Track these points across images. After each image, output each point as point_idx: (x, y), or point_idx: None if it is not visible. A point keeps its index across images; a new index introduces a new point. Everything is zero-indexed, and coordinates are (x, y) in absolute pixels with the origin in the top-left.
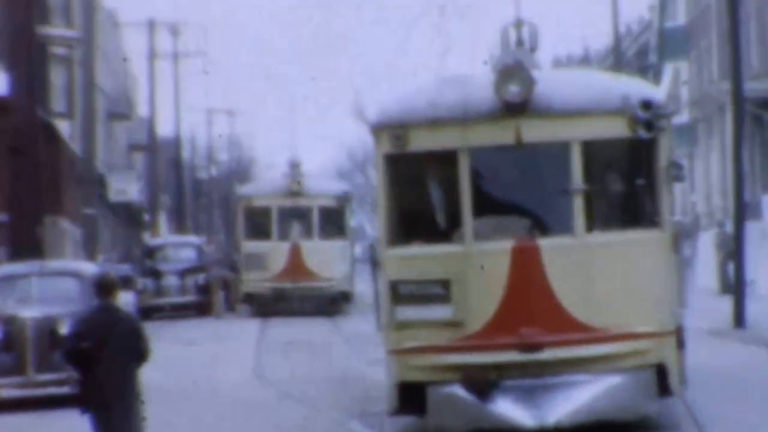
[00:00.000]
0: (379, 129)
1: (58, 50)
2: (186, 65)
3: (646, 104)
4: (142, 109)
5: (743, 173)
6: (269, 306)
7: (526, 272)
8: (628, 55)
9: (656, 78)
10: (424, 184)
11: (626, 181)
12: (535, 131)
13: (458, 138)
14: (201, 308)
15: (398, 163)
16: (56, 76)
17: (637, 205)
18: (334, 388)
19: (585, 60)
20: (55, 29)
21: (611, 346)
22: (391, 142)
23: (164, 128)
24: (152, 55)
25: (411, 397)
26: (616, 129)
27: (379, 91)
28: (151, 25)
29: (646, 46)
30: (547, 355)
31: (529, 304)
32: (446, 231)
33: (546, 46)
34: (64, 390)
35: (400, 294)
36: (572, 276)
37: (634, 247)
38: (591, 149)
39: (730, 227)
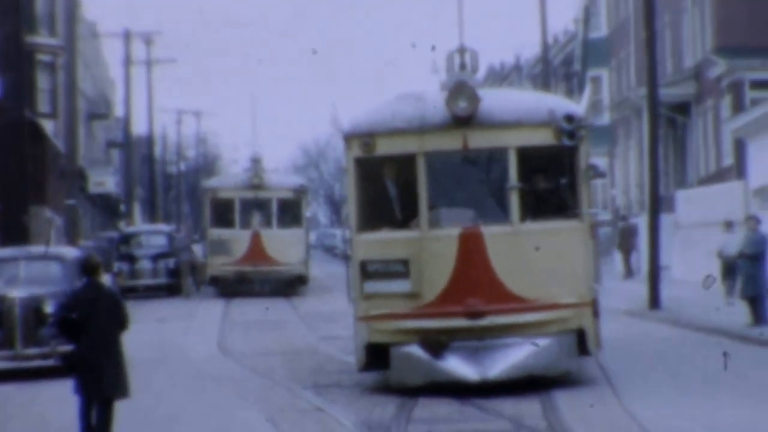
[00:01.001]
0: (350, 137)
1: (43, 57)
2: (158, 70)
3: (569, 118)
4: (118, 110)
5: (658, 170)
6: (232, 288)
7: (471, 254)
8: (555, 64)
9: (580, 84)
10: (388, 181)
11: (552, 180)
12: (478, 139)
13: (416, 144)
14: (171, 289)
15: (366, 165)
16: (42, 81)
17: (561, 199)
18: (290, 361)
19: (516, 68)
20: (41, 38)
21: (540, 314)
22: (361, 147)
23: (138, 127)
24: (128, 62)
25: (376, 355)
26: (544, 138)
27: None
28: (127, 35)
29: (571, 55)
30: (488, 321)
31: (474, 279)
32: (406, 220)
33: (481, 56)
34: (49, 362)
35: (368, 271)
36: (509, 257)
37: (559, 234)
38: (524, 154)
39: (636, 220)
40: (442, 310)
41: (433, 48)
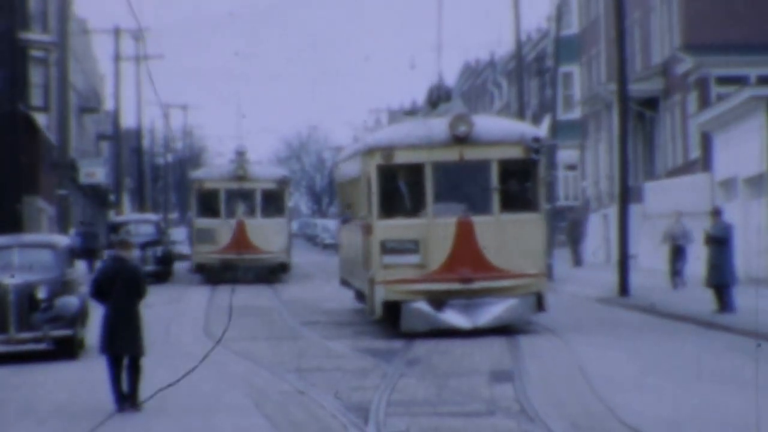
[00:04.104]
0: (373, 149)
1: (36, 53)
2: (146, 66)
3: (535, 139)
4: (108, 104)
5: (627, 162)
6: (217, 275)
7: (464, 236)
8: (528, 60)
9: (552, 80)
10: (402, 182)
11: (522, 183)
12: (471, 153)
13: (425, 156)
14: (159, 276)
15: (386, 170)
16: (35, 75)
17: (527, 198)
18: (273, 345)
19: (491, 64)
20: (34, 35)
21: (512, 281)
22: (383, 157)
23: (128, 120)
24: (117, 58)
25: (391, 310)
26: (517, 153)
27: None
28: (117, 32)
29: (544, 52)
30: (476, 285)
31: (466, 255)
32: (415, 210)
33: (457, 54)
34: (41, 346)
35: (386, 247)
36: (491, 239)
37: (525, 223)
38: (503, 165)
39: (582, 213)
40: (442, 277)
41: (413, 66)
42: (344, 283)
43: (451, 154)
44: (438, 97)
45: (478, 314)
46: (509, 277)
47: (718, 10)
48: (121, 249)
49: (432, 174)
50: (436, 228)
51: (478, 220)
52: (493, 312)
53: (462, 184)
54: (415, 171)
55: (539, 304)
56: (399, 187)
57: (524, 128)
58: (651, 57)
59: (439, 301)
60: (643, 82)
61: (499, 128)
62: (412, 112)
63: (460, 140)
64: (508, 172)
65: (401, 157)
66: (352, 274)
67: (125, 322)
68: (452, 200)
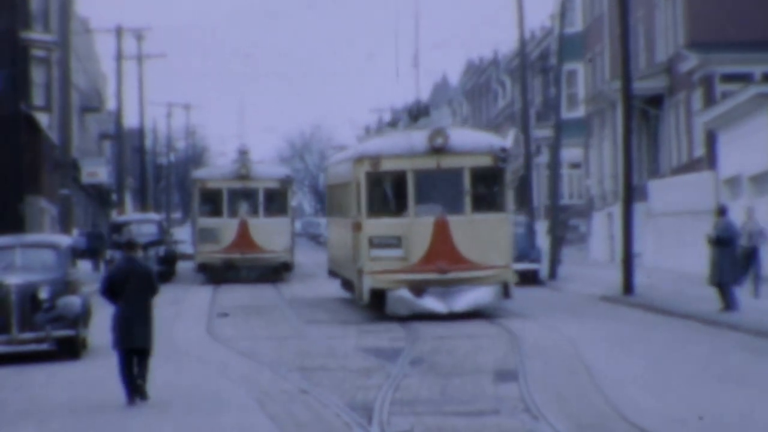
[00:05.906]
0: (362, 158)
1: (38, 53)
2: (149, 65)
3: (502, 149)
4: (110, 103)
5: (632, 161)
6: (220, 274)
7: (441, 233)
8: (532, 58)
9: (556, 78)
10: (388, 187)
11: (490, 188)
12: (447, 161)
13: (407, 164)
14: (162, 276)
15: (373, 176)
16: (37, 75)
17: (495, 200)
18: (276, 344)
19: (494, 62)
20: (36, 34)
21: (483, 272)
22: (371, 165)
23: (130, 120)
24: (119, 57)
25: (376, 297)
26: (486, 161)
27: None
28: (119, 31)
29: (547, 49)
30: (451, 276)
31: (442, 249)
32: (399, 211)
33: (460, 51)
34: (43, 347)
35: (373, 243)
36: (464, 236)
37: (494, 222)
38: (474, 171)
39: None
40: (422, 268)
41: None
42: (332, 273)
43: (430, 163)
44: (418, 112)
45: (453, 300)
46: (480, 269)
47: (722, 8)
48: (128, 250)
49: (413, 179)
50: (416, 226)
51: (453, 220)
52: (466, 299)
53: (439, 188)
54: (398, 177)
55: (506, 292)
56: (385, 191)
57: (493, 140)
58: (655, 55)
59: (419, 289)
60: (647, 80)
61: (471, 140)
62: (393, 124)
63: (438, 151)
64: (478, 178)
65: (387, 165)
66: (341, 265)
67: (140, 319)
68: (430, 202)
